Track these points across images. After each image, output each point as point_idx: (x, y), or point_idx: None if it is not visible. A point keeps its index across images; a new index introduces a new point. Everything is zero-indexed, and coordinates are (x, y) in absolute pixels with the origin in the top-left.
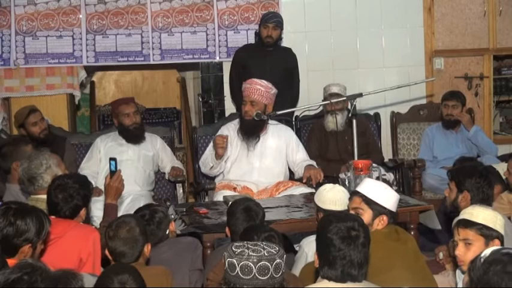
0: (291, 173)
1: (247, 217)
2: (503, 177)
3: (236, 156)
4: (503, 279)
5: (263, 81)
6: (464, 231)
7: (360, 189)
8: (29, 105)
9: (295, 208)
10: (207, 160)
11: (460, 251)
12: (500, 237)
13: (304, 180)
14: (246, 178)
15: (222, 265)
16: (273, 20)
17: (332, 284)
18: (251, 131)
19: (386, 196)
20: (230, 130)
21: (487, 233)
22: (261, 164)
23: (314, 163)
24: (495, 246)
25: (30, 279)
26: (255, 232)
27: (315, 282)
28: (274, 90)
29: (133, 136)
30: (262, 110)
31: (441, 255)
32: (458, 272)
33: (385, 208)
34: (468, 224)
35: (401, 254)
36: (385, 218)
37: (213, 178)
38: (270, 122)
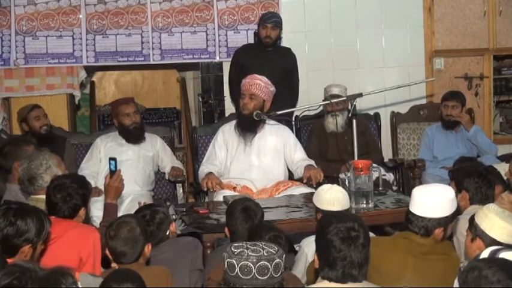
0: (290, 173)
1: (246, 217)
2: (505, 177)
3: (234, 153)
4: (480, 284)
5: (263, 77)
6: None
7: None
8: (34, 103)
9: (295, 208)
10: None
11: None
12: (487, 241)
13: (304, 181)
14: (245, 176)
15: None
16: (271, 20)
17: (333, 284)
18: (248, 125)
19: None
20: (226, 132)
21: (472, 230)
22: (260, 162)
23: (313, 162)
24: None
25: (19, 283)
26: (264, 231)
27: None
28: (273, 88)
29: (133, 136)
30: (261, 105)
31: None
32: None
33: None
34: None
35: (416, 270)
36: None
37: None
38: (269, 121)
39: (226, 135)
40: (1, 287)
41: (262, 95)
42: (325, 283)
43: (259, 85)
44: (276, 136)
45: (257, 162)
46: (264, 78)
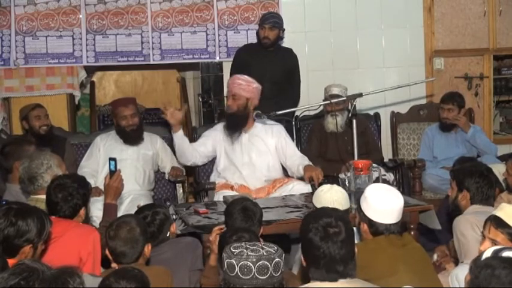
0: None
1: (245, 217)
2: (502, 177)
3: (227, 150)
4: (490, 283)
5: (244, 76)
6: (495, 231)
7: None
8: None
9: (294, 208)
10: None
11: (485, 248)
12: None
13: (307, 182)
14: (237, 174)
15: (211, 268)
16: (269, 21)
17: (325, 284)
18: (233, 125)
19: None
20: (218, 130)
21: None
22: (250, 159)
23: (306, 158)
24: None
25: (27, 283)
26: (229, 236)
27: None
28: (256, 84)
29: (130, 138)
30: (244, 104)
31: (435, 257)
32: (452, 272)
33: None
34: (501, 225)
35: (406, 260)
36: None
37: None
38: (260, 120)
39: (218, 131)
40: (8, 287)
41: (244, 93)
42: (317, 283)
43: (241, 85)
44: (267, 134)
45: (247, 159)
46: (245, 77)
